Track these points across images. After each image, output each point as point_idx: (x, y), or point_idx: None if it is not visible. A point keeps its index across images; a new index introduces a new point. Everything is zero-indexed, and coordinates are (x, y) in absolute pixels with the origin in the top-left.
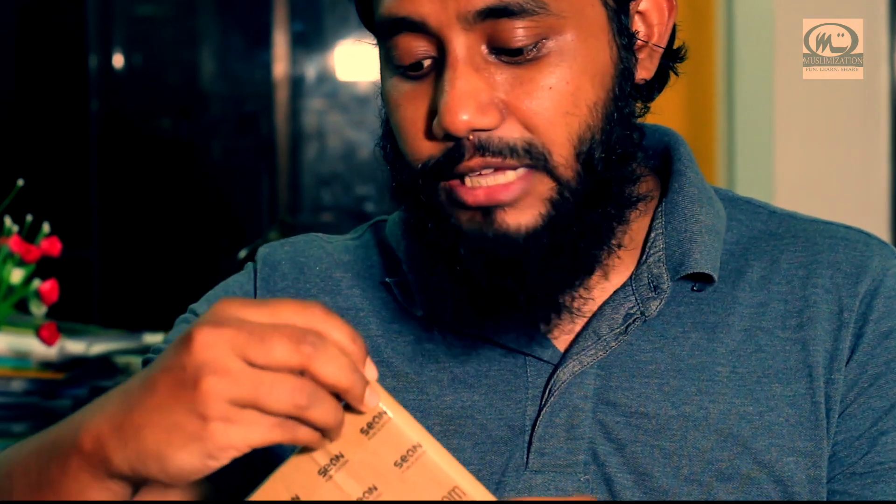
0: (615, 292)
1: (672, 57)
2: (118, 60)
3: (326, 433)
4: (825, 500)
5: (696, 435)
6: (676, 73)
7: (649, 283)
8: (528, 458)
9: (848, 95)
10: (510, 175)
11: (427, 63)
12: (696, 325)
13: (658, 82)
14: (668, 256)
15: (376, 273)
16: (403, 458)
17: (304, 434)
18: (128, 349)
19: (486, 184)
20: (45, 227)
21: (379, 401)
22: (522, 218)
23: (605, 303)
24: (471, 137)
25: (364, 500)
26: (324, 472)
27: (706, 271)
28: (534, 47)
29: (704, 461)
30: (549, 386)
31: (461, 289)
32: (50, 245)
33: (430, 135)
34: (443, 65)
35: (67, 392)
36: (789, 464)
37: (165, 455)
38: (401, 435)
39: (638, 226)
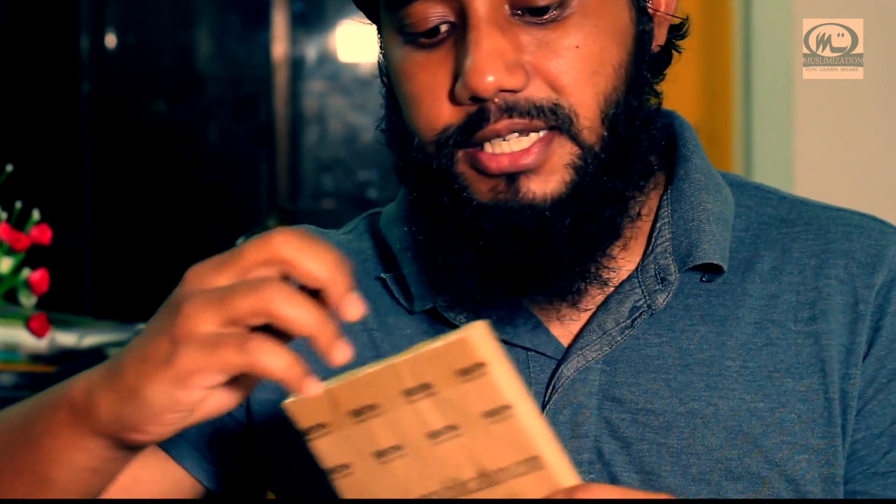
0: (620, 284)
1: (675, 31)
2: (111, 41)
3: (313, 342)
4: (840, 498)
5: (705, 432)
6: (678, 51)
7: (656, 274)
8: None
9: (870, 79)
10: (532, 137)
11: (444, 28)
12: (704, 317)
13: (665, 56)
14: (675, 247)
15: (371, 268)
16: (492, 413)
17: (270, 359)
18: (121, 341)
19: (508, 149)
20: (35, 215)
21: (480, 350)
22: (547, 186)
23: (611, 296)
24: (496, 100)
25: (442, 432)
26: (408, 393)
27: (715, 262)
28: (558, 6)
29: (713, 459)
30: (553, 382)
31: (481, 266)
32: (40, 233)
33: (451, 101)
34: (464, 28)
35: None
36: (801, 462)
37: (138, 386)
38: (496, 392)
39: (643, 215)
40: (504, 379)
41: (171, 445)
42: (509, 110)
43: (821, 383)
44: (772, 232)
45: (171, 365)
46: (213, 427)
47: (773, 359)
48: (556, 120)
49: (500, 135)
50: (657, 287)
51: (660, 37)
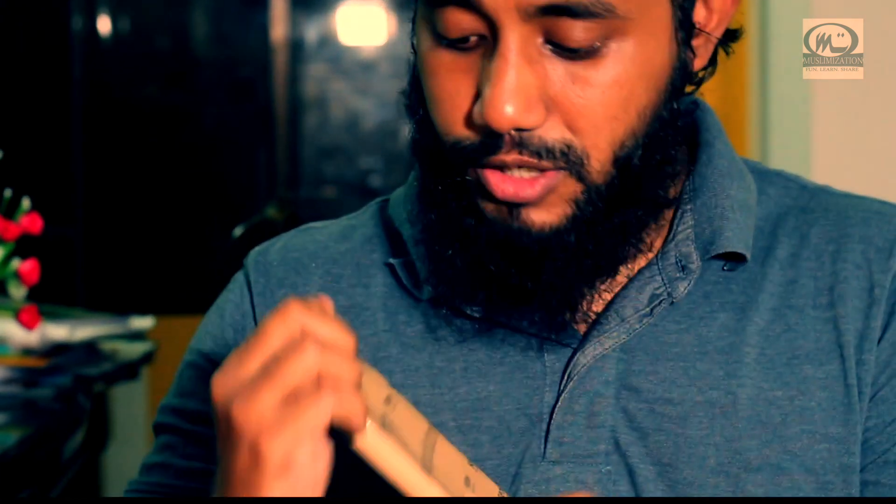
0: (640, 271)
1: (729, 37)
2: (104, 24)
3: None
4: (858, 488)
5: (724, 422)
6: (727, 53)
7: (677, 262)
8: (545, 448)
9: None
10: (535, 172)
11: (474, 39)
12: (724, 304)
13: (709, 65)
14: (698, 234)
15: (378, 256)
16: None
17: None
18: (114, 334)
19: (518, 176)
20: (26, 203)
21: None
22: (548, 217)
23: (630, 282)
24: (512, 133)
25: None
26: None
27: (739, 250)
28: (590, 48)
29: (732, 451)
30: (568, 371)
31: (476, 272)
32: (30, 222)
33: (469, 117)
34: (493, 49)
35: (49, 380)
36: (821, 451)
37: (290, 459)
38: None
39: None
40: (369, 380)
41: None
42: (520, 146)
43: (840, 370)
44: (791, 220)
45: (263, 464)
46: None
47: (791, 345)
48: (565, 162)
49: (507, 166)
50: (678, 275)
51: (705, 55)
